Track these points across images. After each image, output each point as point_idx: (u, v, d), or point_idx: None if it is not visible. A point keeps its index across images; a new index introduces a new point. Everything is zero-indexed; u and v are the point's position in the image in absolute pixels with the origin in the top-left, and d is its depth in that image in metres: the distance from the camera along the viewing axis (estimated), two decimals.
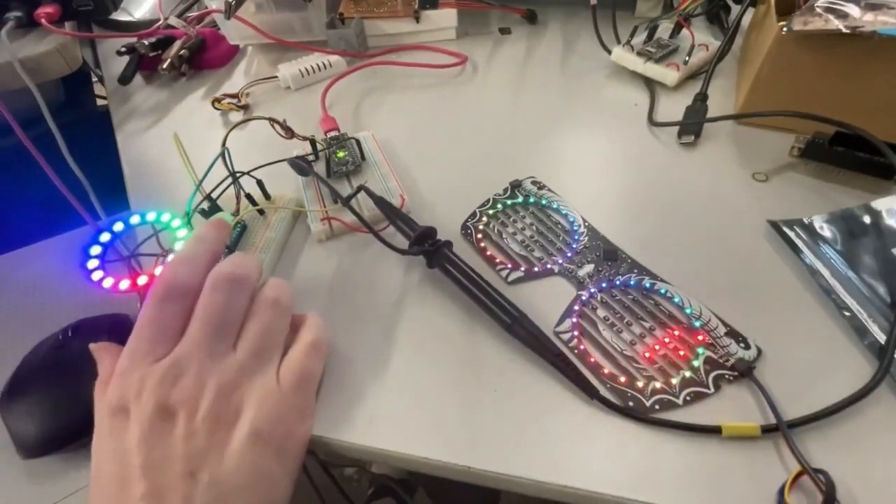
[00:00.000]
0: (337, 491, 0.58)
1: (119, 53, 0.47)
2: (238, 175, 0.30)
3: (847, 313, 0.26)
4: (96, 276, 0.27)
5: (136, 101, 0.46)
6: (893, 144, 0.30)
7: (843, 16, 0.31)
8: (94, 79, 0.69)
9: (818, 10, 0.32)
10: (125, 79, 0.47)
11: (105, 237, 0.28)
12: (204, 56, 0.49)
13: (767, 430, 0.22)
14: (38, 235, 0.46)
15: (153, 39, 0.47)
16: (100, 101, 0.71)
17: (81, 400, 0.30)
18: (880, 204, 0.30)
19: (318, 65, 0.46)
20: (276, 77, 0.46)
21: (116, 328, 0.35)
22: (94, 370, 0.31)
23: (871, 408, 0.22)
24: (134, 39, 0.47)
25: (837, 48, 0.32)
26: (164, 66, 0.46)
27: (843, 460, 0.21)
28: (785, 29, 0.32)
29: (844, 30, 0.30)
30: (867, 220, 0.30)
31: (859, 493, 0.20)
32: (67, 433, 0.30)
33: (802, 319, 0.26)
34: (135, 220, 0.28)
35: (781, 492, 0.20)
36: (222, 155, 0.29)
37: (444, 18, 0.50)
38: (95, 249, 0.28)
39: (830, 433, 0.22)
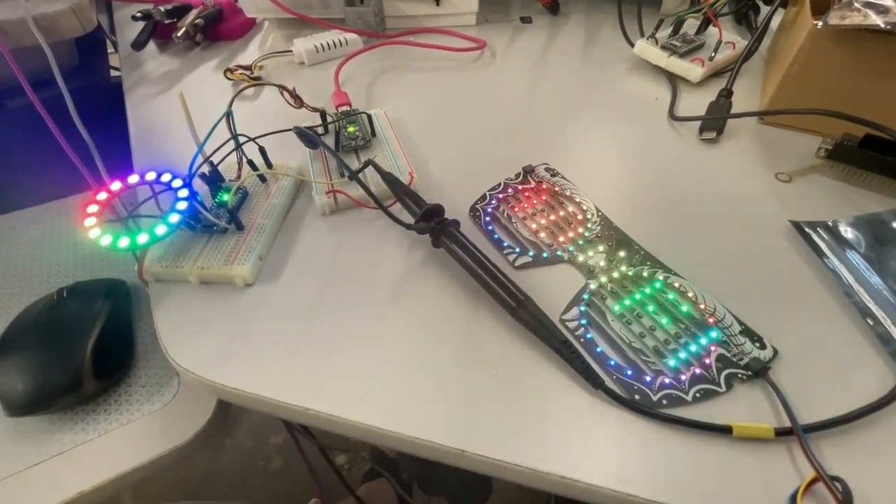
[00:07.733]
0: (335, 477, 0.57)
1: (134, 18, 0.46)
2: (242, 141, 0.30)
3: (870, 320, 0.25)
4: (93, 234, 0.26)
5: (148, 68, 0.46)
6: None
7: (883, 11, 0.29)
8: (111, 49, 0.68)
9: (857, 5, 0.30)
10: (139, 44, 0.46)
11: (102, 196, 0.27)
12: (219, 27, 0.49)
13: (781, 433, 0.20)
14: (43, 197, 0.46)
15: (169, 6, 0.47)
16: (114, 74, 0.71)
17: (70, 361, 0.30)
18: None
19: (333, 41, 0.45)
20: (290, 51, 0.45)
21: (112, 292, 0.34)
22: (86, 332, 0.31)
23: (893, 417, 0.21)
24: (150, 5, 0.46)
25: (874, 46, 0.31)
26: (179, 34, 0.46)
27: (861, 470, 0.20)
28: (820, 24, 0.31)
29: (884, 26, 0.29)
30: None
31: None
32: (54, 393, 0.29)
33: (822, 323, 0.25)
34: (133, 179, 0.27)
35: (794, 498, 0.19)
36: (227, 115, 0.28)
37: (465, 3, 0.49)
38: (93, 208, 0.27)
39: (848, 441, 0.21)
